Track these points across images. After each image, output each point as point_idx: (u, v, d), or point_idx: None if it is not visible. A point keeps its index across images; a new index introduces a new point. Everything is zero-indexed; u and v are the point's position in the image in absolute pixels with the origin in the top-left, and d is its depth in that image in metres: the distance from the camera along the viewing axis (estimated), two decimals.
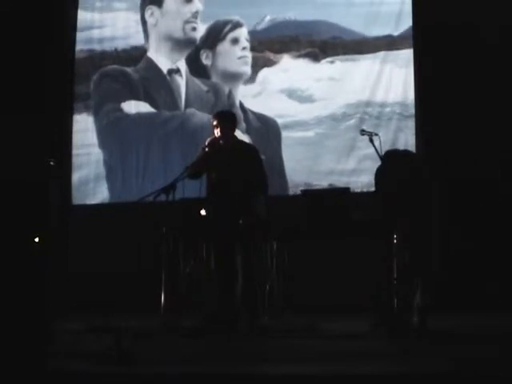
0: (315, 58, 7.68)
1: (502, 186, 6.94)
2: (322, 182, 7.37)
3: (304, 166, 7.55)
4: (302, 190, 6.51)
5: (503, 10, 7.02)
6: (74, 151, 8.09)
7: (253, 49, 7.83)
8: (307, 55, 7.71)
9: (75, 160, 8.09)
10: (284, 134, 7.65)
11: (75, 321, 5.81)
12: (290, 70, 7.76)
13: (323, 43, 7.70)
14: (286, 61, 7.76)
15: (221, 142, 5.84)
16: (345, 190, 6.02)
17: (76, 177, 8.07)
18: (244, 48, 7.86)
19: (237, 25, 7.88)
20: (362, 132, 5.77)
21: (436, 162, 6.76)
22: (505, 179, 6.93)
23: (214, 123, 5.88)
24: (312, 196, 6.09)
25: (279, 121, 7.68)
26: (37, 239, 4.99)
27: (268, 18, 7.87)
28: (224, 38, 7.90)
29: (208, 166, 5.84)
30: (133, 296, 6.90)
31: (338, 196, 5.81)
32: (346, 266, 6.68)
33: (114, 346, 4.19)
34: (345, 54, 7.63)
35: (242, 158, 5.83)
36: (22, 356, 4.01)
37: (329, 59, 7.66)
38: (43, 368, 3.93)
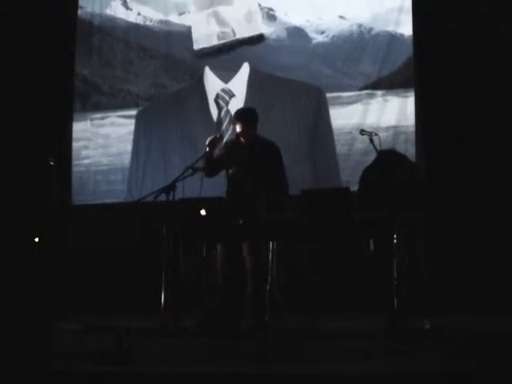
0: None
1: (503, 192, 6.91)
2: None
3: None
4: (302, 190, 6.49)
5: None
6: (74, 151, 8.08)
7: None
8: None
9: (75, 160, 8.08)
10: None
11: (75, 321, 5.81)
12: None
13: None
14: None
15: (242, 139, 5.80)
16: (345, 190, 6.01)
17: (76, 177, 8.06)
18: None
19: None
20: (362, 132, 5.77)
21: (435, 166, 6.77)
22: (505, 185, 6.90)
23: (236, 120, 5.84)
24: (312, 196, 6.08)
25: None
26: (37, 239, 4.99)
27: None
28: None
29: (227, 164, 5.82)
30: (133, 296, 6.90)
31: (338, 196, 5.80)
32: (346, 265, 6.68)
33: (113, 346, 4.19)
34: None
35: (262, 156, 5.76)
36: (22, 356, 4.01)
37: None
38: (43, 368, 3.93)
